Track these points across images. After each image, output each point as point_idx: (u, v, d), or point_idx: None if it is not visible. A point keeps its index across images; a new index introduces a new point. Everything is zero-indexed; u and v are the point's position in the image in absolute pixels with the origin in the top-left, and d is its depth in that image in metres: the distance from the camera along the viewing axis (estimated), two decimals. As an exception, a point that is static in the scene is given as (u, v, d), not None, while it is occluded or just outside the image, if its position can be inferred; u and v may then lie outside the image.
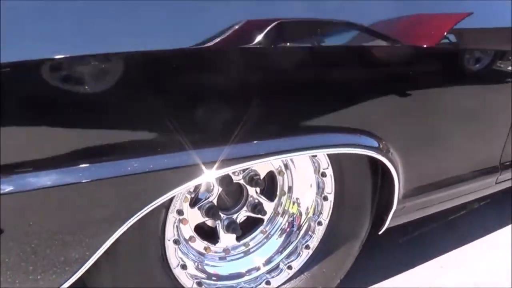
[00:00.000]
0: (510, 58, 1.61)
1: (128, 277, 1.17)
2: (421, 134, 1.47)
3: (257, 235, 1.48)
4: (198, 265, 1.36)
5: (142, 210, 1.03)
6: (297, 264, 1.47)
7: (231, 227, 1.37)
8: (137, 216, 1.02)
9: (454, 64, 1.47)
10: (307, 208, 1.47)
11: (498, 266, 1.87)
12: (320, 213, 1.46)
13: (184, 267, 1.30)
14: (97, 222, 1.01)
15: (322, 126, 1.22)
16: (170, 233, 1.24)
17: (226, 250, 1.43)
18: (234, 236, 1.41)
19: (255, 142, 1.11)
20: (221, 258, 1.43)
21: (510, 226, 2.13)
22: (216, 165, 1.06)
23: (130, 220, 1.02)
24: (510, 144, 1.79)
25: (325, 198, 1.44)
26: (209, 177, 1.07)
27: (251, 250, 1.47)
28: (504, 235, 2.08)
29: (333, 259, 1.50)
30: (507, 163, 1.85)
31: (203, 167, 1.04)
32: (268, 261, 1.47)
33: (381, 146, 1.33)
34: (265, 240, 1.49)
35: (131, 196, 1.01)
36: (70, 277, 1.01)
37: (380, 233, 1.59)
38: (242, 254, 1.46)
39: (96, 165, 0.95)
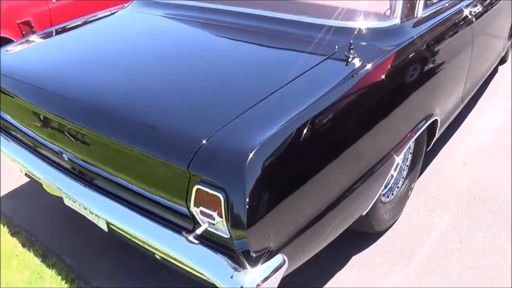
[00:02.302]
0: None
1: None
2: (441, 96, 3.13)
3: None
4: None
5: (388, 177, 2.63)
6: (404, 173, 3.16)
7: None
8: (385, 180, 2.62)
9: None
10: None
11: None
12: (410, 149, 3.13)
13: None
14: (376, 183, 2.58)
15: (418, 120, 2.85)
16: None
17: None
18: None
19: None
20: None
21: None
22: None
23: (386, 179, 2.62)
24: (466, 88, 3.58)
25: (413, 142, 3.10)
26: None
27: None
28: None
29: (414, 168, 3.21)
30: (465, 98, 3.66)
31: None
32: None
33: (434, 114, 3.00)
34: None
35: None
36: (368, 207, 2.59)
37: (427, 149, 3.32)
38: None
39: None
